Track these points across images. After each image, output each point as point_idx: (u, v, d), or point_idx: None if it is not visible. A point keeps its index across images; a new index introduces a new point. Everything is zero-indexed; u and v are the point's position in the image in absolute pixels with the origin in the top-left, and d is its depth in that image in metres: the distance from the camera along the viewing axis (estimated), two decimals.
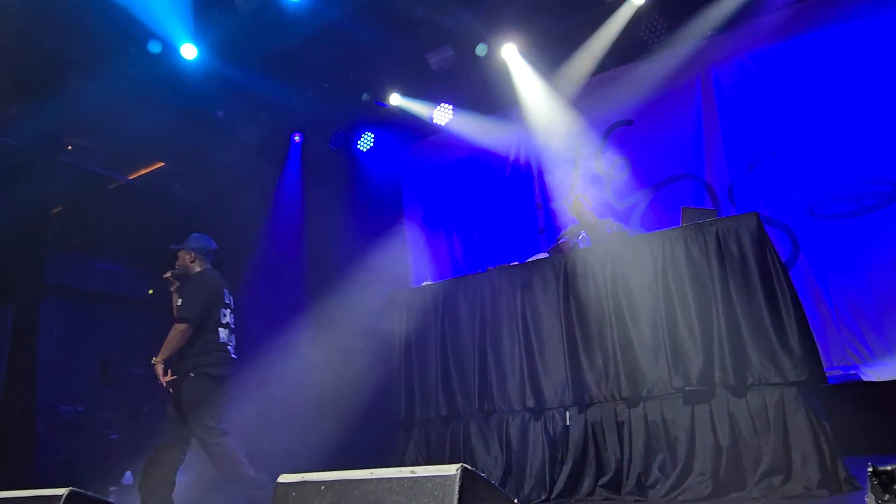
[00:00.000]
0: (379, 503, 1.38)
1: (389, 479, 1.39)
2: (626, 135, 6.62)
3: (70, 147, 7.48)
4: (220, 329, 4.07)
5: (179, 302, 4.04)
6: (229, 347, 4.12)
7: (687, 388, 3.92)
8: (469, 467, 1.35)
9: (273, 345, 6.15)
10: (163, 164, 8.07)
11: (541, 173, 6.85)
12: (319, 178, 7.37)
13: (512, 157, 7.18)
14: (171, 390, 3.97)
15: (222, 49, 6.17)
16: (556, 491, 4.24)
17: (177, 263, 4.23)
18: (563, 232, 5.34)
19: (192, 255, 4.21)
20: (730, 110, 6.13)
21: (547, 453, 4.38)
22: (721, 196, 6.09)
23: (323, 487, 1.46)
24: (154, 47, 5.92)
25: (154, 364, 3.90)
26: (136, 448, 6.72)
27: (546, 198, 6.85)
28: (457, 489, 1.31)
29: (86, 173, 7.38)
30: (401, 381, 5.24)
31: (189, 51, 6.06)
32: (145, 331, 7.56)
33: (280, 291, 6.54)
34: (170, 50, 6.03)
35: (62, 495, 1.76)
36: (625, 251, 4.37)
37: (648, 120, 6.50)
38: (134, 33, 5.81)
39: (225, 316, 4.13)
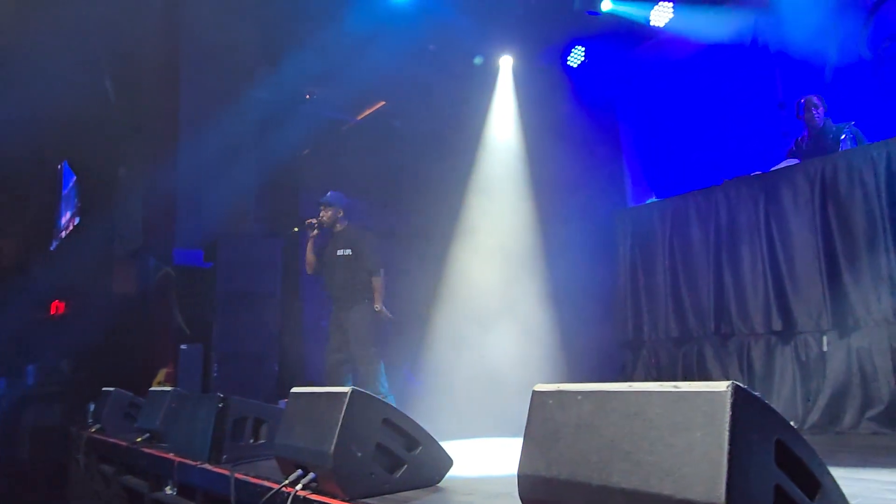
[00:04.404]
0: (640, 414, 1.36)
1: (650, 392, 1.36)
2: None
3: (308, 96, 8.39)
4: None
5: (348, 252, 4.77)
6: None
7: None
8: (741, 384, 1.26)
9: (496, 269, 6.40)
10: (384, 102, 8.64)
11: (785, 65, 5.87)
12: (530, 100, 7.26)
13: (747, 51, 6.25)
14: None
15: None
16: (809, 421, 3.88)
17: (324, 216, 4.84)
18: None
19: (342, 211, 4.86)
20: None
21: (798, 381, 4.01)
22: None
23: (580, 397, 1.48)
24: None
25: (380, 311, 4.75)
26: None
27: (792, 94, 5.87)
28: (728, 405, 1.23)
29: (322, 119, 8.23)
30: (626, 300, 5.14)
31: None
32: (391, 258, 8.41)
33: (502, 214, 6.71)
34: None
35: (347, 393, 2.08)
36: None
37: None
38: None
39: None
